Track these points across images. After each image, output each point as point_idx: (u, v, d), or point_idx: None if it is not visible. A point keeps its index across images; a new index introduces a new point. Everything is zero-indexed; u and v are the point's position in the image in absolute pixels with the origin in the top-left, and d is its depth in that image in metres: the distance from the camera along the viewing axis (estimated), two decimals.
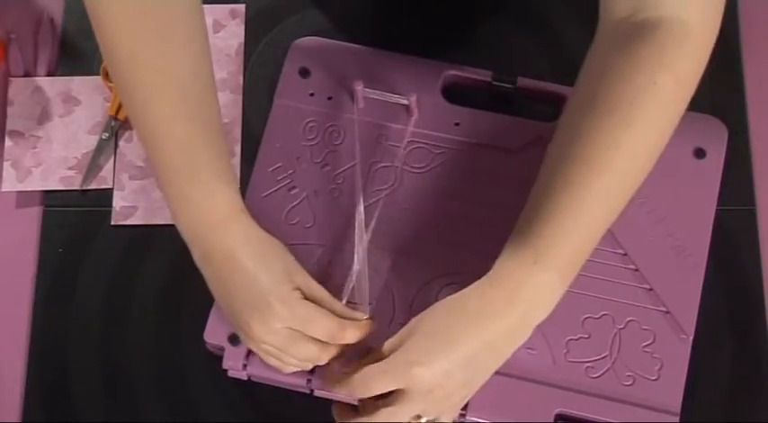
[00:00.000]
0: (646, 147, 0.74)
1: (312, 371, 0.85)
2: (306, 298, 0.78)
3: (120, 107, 0.96)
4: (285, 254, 0.80)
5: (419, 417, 0.77)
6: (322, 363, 0.80)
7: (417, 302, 0.88)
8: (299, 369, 0.81)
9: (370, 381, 0.76)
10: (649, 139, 0.74)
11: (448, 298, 0.77)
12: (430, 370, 0.74)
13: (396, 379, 0.75)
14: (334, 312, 0.79)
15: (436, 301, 0.86)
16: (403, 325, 0.86)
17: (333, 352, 0.79)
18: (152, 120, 0.78)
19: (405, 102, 0.92)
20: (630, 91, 0.73)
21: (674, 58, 0.73)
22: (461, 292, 0.76)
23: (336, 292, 0.86)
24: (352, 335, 0.79)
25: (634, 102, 0.73)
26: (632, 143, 0.73)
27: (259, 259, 0.78)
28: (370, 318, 0.81)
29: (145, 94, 0.77)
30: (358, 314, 0.81)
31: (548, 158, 0.78)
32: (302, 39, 0.96)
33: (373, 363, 0.77)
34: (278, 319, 0.76)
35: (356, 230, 0.86)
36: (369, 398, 0.77)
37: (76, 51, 1.00)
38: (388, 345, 0.78)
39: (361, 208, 0.87)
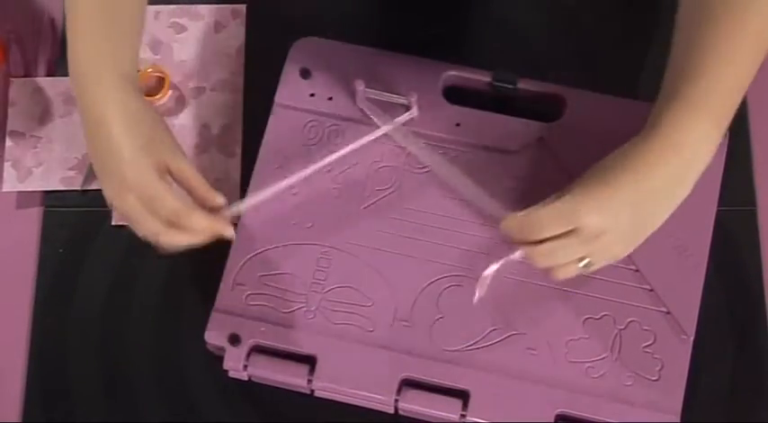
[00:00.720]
0: None
1: (312, 371, 0.85)
2: (172, 174, 0.80)
3: None
4: (157, 128, 0.81)
5: (581, 259, 0.78)
6: (163, 243, 0.80)
7: (418, 303, 0.88)
8: (150, 238, 0.81)
9: (543, 222, 0.77)
10: None
11: (609, 155, 0.79)
12: (600, 214, 0.76)
13: (567, 221, 0.76)
14: (192, 191, 0.80)
15: (437, 301, 0.88)
16: (405, 325, 0.87)
17: (180, 236, 0.80)
18: None
19: (405, 102, 0.92)
20: None
21: None
22: (622, 147, 0.78)
23: (340, 293, 0.87)
24: (197, 221, 0.79)
25: None
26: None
27: (126, 129, 0.79)
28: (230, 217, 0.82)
29: None
30: (216, 197, 0.81)
31: (682, 22, 0.80)
32: (303, 39, 0.96)
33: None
34: (128, 191, 0.78)
35: None
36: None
37: None
38: (555, 196, 0.79)
39: None
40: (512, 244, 0.80)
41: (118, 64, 0.81)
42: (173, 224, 0.79)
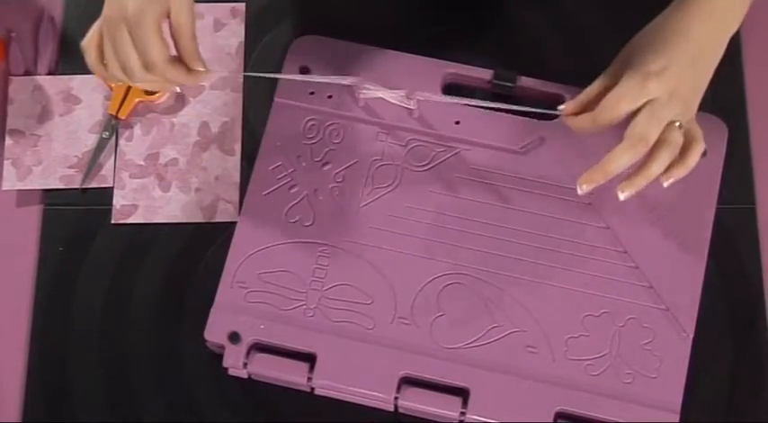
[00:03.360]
0: None
1: (312, 368, 0.85)
2: (171, 24, 0.80)
3: (120, 106, 0.97)
4: None
5: (674, 121, 0.79)
6: (140, 80, 0.81)
7: (418, 300, 0.88)
8: (113, 74, 0.81)
9: (617, 102, 0.79)
10: None
11: (649, 24, 0.83)
12: (664, 76, 0.79)
13: (638, 94, 0.78)
14: (179, 49, 0.80)
15: (437, 299, 0.88)
16: (405, 322, 0.87)
17: (151, 82, 0.81)
18: None
19: (405, 100, 0.91)
20: None
21: None
22: (658, 18, 0.82)
23: (339, 290, 0.87)
24: (171, 75, 0.80)
25: None
26: None
27: None
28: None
29: None
30: (197, 63, 0.81)
31: None
32: (302, 37, 0.96)
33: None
34: (124, 22, 0.78)
35: None
36: None
37: (77, 50, 0.99)
38: (600, 80, 0.82)
39: None
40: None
41: None
42: (148, 66, 0.79)
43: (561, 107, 0.83)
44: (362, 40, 0.96)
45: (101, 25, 0.81)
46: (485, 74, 0.94)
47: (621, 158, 0.78)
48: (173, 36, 0.80)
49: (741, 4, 0.82)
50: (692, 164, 0.80)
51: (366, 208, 0.91)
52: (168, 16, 0.79)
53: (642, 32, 0.83)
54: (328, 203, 0.91)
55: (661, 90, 0.78)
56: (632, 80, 0.79)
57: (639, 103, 0.78)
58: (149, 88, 0.84)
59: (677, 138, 0.79)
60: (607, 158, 0.78)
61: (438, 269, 0.89)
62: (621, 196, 0.79)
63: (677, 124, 0.79)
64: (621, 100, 0.78)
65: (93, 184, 0.96)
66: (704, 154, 0.90)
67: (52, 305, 0.93)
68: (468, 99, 0.89)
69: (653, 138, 0.78)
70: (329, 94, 0.94)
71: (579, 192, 0.79)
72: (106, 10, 0.80)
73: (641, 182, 0.79)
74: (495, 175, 0.91)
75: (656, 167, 0.79)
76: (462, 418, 0.85)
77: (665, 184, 0.80)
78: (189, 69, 0.81)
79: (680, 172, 0.80)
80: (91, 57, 0.83)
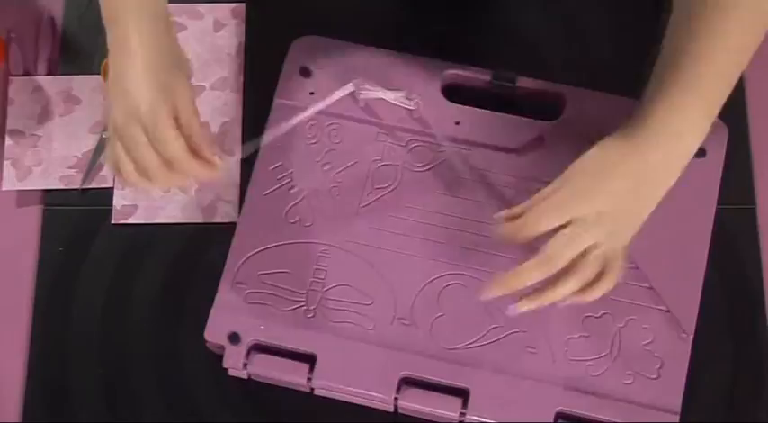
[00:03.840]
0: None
1: (312, 369, 0.85)
2: (176, 117, 0.80)
3: None
4: (181, 72, 0.81)
5: (594, 247, 0.77)
6: (154, 182, 0.80)
7: (418, 301, 0.88)
8: (131, 180, 0.81)
9: (540, 216, 0.77)
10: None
11: (599, 143, 0.79)
12: (594, 199, 0.77)
13: (564, 211, 0.77)
14: (189, 141, 0.80)
15: (437, 299, 0.88)
16: (405, 323, 0.87)
17: (171, 178, 0.80)
18: None
19: (405, 100, 0.91)
20: None
21: None
22: (611, 135, 0.79)
23: (339, 291, 0.87)
24: (193, 169, 0.80)
25: None
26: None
27: (152, 62, 0.79)
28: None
29: None
30: (209, 155, 0.81)
31: (677, 9, 0.79)
32: (303, 38, 0.96)
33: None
34: (138, 122, 0.78)
35: None
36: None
37: (77, 50, 1.00)
38: (543, 191, 0.79)
39: None
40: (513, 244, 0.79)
41: (158, 5, 0.81)
42: (166, 163, 0.79)
43: (498, 215, 0.80)
44: (362, 40, 0.96)
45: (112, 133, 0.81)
46: (484, 74, 0.94)
47: (529, 275, 0.77)
48: (182, 132, 0.80)
49: (702, 124, 0.77)
50: (595, 296, 0.79)
51: (366, 208, 0.91)
52: (177, 114, 0.80)
53: (597, 146, 0.79)
54: (328, 204, 0.91)
55: (587, 210, 0.76)
56: (561, 196, 0.77)
57: (562, 222, 0.77)
58: (168, 186, 0.84)
59: (590, 267, 0.77)
60: (515, 272, 0.77)
61: (438, 269, 0.89)
62: (518, 310, 0.79)
63: (598, 251, 0.77)
64: (543, 216, 0.77)
65: (93, 185, 0.96)
66: (703, 154, 0.90)
67: (52, 305, 0.93)
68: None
69: (563, 262, 0.77)
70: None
71: (488, 294, 0.78)
72: (115, 115, 0.80)
73: (541, 301, 0.78)
74: (495, 175, 0.91)
75: (561, 291, 0.77)
76: (462, 418, 0.85)
77: (561, 305, 0.79)
78: (206, 161, 0.81)
79: (582, 299, 0.79)
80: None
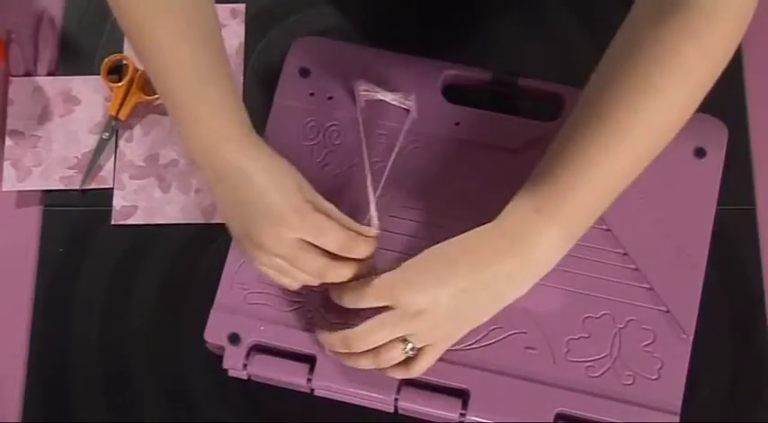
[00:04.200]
0: (666, 114, 0.74)
1: (312, 370, 0.85)
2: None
3: (120, 107, 0.97)
4: (295, 171, 0.81)
5: (405, 341, 0.77)
6: (330, 279, 0.80)
7: None
8: (306, 283, 0.81)
9: (361, 293, 0.78)
10: (670, 107, 0.74)
11: (453, 238, 0.78)
12: (417, 293, 0.76)
13: (384, 295, 0.77)
14: (343, 226, 0.79)
15: None
16: None
17: (341, 269, 0.80)
18: (159, 46, 0.78)
19: (405, 101, 0.91)
20: (655, 57, 0.73)
21: (700, 33, 0.73)
22: (466, 233, 0.78)
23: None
24: (362, 248, 0.80)
25: (657, 68, 0.73)
26: (652, 108, 0.73)
27: (271, 173, 0.79)
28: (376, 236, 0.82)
29: (150, 22, 0.77)
30: (366, 229, 0.81)
31: (570, 117, 0.78)
32: (302, 38, 0.96)
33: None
34: (291, 229, 0.77)
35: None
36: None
37: (77, 51, 1.00)
38: (386, 271, 0.79)
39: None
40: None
41: (241, 118, 0.80)
42: (336, 258, 0.79)
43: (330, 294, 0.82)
44: (362, 41, 0.96)
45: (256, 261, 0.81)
46: (485, 75, 0.94)
47: (332, 344, 0.80)
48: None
49: (557, 246, 0.76)
50: (390, 375, 0.80)
51: (366, 209, 0.90)
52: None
53: (448, 241, 0.79)
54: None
55: (408, 302, 0.76)
56: (388, 280, 0.77)
57: (382, 304, 0.77)
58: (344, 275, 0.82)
59: (393, 357, 0.78)
60: (322, 336, 0.82)
61: None
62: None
63: (409, 346, 0.78)
64: (367, 293, 0.77)
65: (93, 185, 0.96)
66: (704, 155, 0.90)
67: (52, 305, 0.93)
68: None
69: (369, 344, 0.78)
70: (329, 96, 0.93)
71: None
72: (258, 245, 0.79)
73: (340, 358, 0.81)
74: (495, 176, 0.91)
75: (353, 363, 0.80)
76: (462, 419, 0.85)
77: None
78: (361, 233, 0.81)
79: (377, 370, 0.80)
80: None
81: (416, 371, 0.80)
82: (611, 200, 0.76)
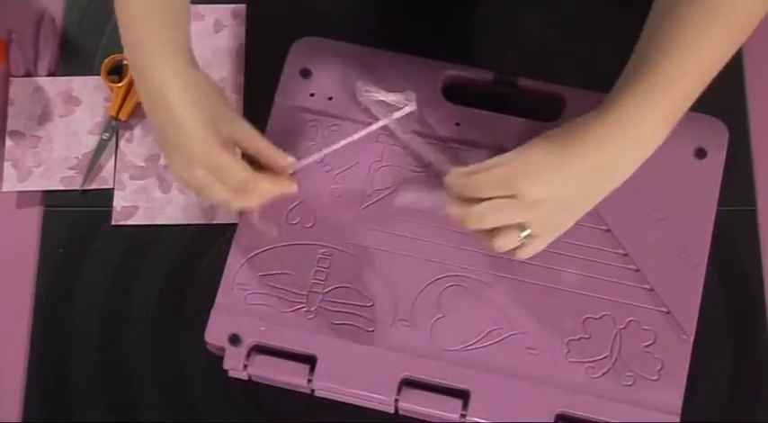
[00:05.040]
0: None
1: (312, 370, 0.86)
2: (237, 142, 0.81)
3: (120, 107, 0.97)
4: (217, 100, 0.82)
5: (522, 228, 0.77)
6: (238, 207, 0.83)
7: (418, 302, 0.88)
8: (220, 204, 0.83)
9: (480, 185, 0.77)
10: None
11: (555, 129, 0.79)
12: (537, 184, 0.76)
13: (504, 187, 0.77)
14: (259, 154, 0.82)
15: (438, 301, 0.88)
16: (405, 324, 0.87)
17: (249, 200, 0.82)
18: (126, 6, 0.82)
19: (405, 101, 0.91)
20: None
21: None
22: (574, 120, 0.79)
23: (340, 292, 0.87)
24: (264, 188, 0.81)
25: None
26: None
27: (189, 101, 0.80)
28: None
29: None
30: (282, 158, 0.83)
31: (653, 13, 0.80)
32: (303, 39, 0.96)
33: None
34: (197, 165, 0.79)
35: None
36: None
37: (77, 51, 1.00)
38: (496, 159, 0.79)
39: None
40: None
41: (173, 37, 0.82)
42: (241, 190, 0.81)
43: (452, 171, 0.81)
44: (362, 41, 0.96)
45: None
46: (485, 75, 0.94)
47: (452, 213, 0.79)
48: (246, 150, 0.82)
49: (659, 128, 0.77)
50: (495, 251, 0.79)
51: (366, 210, 0.90)
52: (232, 139, 0.81)
53: (553, 132, 0.79)
54: (329, 205, 0.91)
55: (527, 192, 0.76)
56: (510, 171, 0.77)
57: (503, 194, 0.77)
58: (252, 205, 0.84)
59: (507, 243, 0.78)
60: (446, 206, 0.80)
61: (438, 271, 0.89)
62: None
63: (524, 233, 0.78)
64: (486, 186, 0.77)
65: (94, 186, 0.96)
66: (704, 155, 0.90)
67: (52, 306, 0.93)
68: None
69: (485, 226, 0.77)
70: (329, 96, 0.93)
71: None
72: (175, 165, 0.81)
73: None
74: None
75: (469, 222, 0.78)
76: (463, 420, 0.85)
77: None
78: (276, 173, 0.83)
79: (485, 243, 0.79)
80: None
81: (523, 255, 0.80)
82: (706, 82, 0.78)
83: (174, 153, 0.80)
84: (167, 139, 0.80)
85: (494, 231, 0.78)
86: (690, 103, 0.78)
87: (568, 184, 0.77)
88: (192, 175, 0.80)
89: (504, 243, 0.78)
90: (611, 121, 0.77)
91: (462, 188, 0.79)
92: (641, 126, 0.77)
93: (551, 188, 0.76)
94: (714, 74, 0.78)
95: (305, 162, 0.88)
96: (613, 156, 0.77)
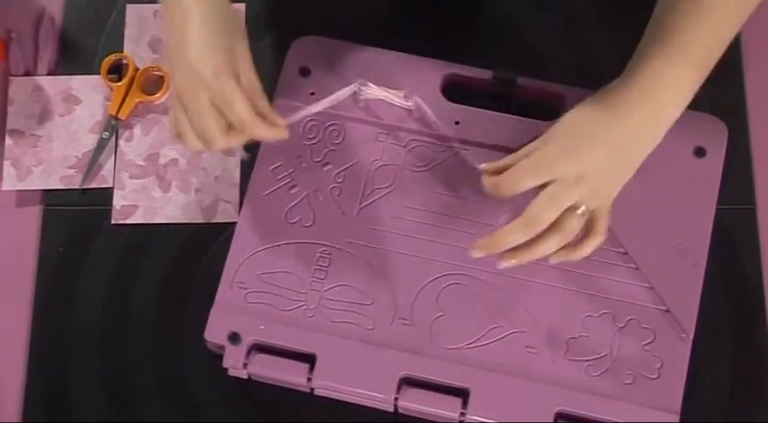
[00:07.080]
0: None
1: (312, 369, 0.86)
2: (238, 80, 0.80)
3: (120, 106, 0.97)
4: (239, 38, 0.82)
5: (576, 207, 0.78)
6: (222, 146, 0.81)
7: (418, 301, 0.88)
8: (195, 149, 0.82)
9: (517, 177, 0.78)
10: None
11: (582, 102, 0.80)
12: (574, 161, 0.77)
13: (542, 171, 0.77)
14: (255, 106, 0.81)
15: (437, 299, 0.87)
16: (404, 323, 0.87)
17: (235, 140, 0.81)
18: None
19: (405, 100, 0.92)
20: None
21: None
22: (595, 93, 0.79)
23: (339, 291, 0.87)
24: (260, 131, 0.81)
25: None
26: None
27: (213, 31, 0.79)
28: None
29: None
30: (276, 117, 0.83)
31: None
32: (302, 38, 0.96)
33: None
34: (204, 90, 0.79)
35: None
36: None
37: (77, 50, 1.00)
38: (526, 148, 0.79)
39: None
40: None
41: None
42: (232, 127, 0.80)
43: (482, 166, 0.82)
44: (362, 40, 0.96)
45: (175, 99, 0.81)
46: (485, 74, 0.94)
47: (514, 235, 0.78)
48: (246, 94, 0.81)
49: (690, 81, 0.78)
50: (585, 253, 0.80)
51: (366, 208, 0.91)
52: (239, 78, 0.80)
53: (580, 106, 0.80)
54: (328, 204, 0.91)
55: (566, 171, 0.77)
56: (542, 155, 0.78)
57: (542, 181, 0.77)
58: (228, 147, 0.84)
59: (573, 225, 0.78)
60: (500, 233, 0.78)
61: (438, 270, 0.89)
62: (501, 264, 0.80)
63: (580, 210, 0.78)
64: (525, 174, 0.78)
65: (93, 185, 0.96)
66: (704, 154, 0.90)
67: (52, 305, 0.93)
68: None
69: (546, 220, 0.77)
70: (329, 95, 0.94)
71: (473, 255, 0.80)
72: (178, 82, 0.80)
73: (524, 257, 0.79)
74: None
75: (543, 249, 0.78)
76: (462, 418, 0.85)
77: (552, 262, 0.80)
78: (270, 121, 0.82)
79: (570, 256, 0.80)
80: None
81: (601, 233, 0.80)
82: (730, 38, 0.78)
83: (183, 73, 0.79)
84: (180, 56, 0.79)
85: (554, 225, 0.78)
86: (715, 59, 0.78)
87: (604, 153, 0.77)
88: (193, 98, 0.79)
89: (569, 227, 0.78)
90: (639, 81, 0.77)
91: (501, 188, 0.79)
92: (670, 81, 0.77)
93: (588, 162, 0.77)
94: (738, 26, 0.78)
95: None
96: (645, 116, 0.77)
